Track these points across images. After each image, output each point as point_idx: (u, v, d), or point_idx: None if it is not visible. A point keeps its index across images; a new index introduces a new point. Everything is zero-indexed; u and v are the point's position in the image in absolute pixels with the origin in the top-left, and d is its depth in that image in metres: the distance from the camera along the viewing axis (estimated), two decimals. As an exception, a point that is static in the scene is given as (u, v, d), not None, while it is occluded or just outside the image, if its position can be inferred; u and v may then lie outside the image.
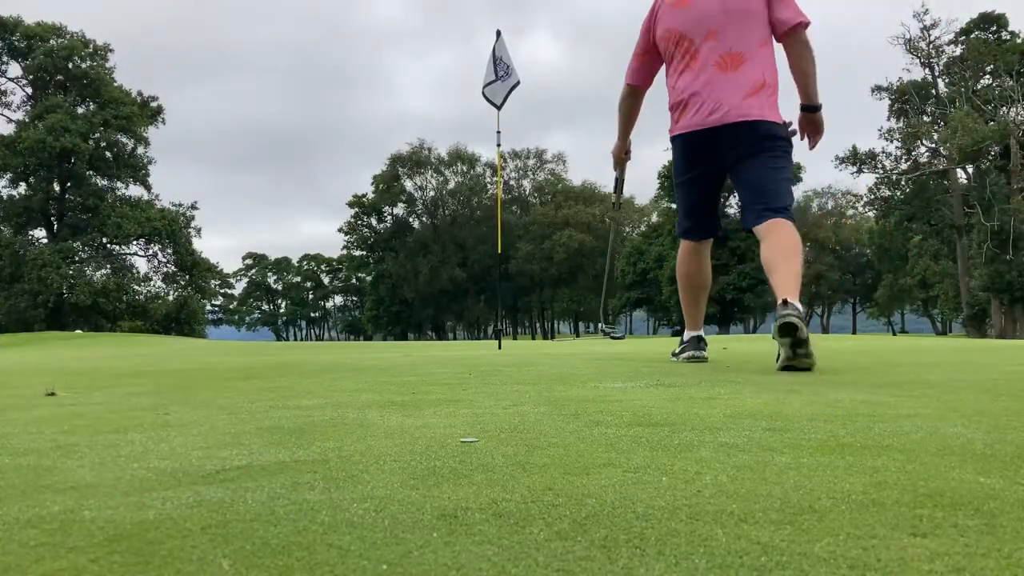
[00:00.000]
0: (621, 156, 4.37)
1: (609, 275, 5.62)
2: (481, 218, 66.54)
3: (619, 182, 4.55)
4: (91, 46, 42.03)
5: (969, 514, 0.87)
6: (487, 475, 1.15)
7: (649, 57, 3.95)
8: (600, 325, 4.64)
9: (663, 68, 3.93)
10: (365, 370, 4.64)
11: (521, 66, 9.05)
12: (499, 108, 8.67)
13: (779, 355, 3.23)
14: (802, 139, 3.86)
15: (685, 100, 3.69)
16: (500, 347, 8.19)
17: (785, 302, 3.07)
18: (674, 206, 55.92)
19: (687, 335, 4.20)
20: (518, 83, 8.68)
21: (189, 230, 43.73)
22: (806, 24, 3.62)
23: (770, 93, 3.64)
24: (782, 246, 3.40)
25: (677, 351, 4.22)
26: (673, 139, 3.82)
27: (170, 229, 41.63)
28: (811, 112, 3.75)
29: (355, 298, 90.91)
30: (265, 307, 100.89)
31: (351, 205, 71.61)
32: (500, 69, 8.64)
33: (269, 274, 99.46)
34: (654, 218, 67.82)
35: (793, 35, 3.60)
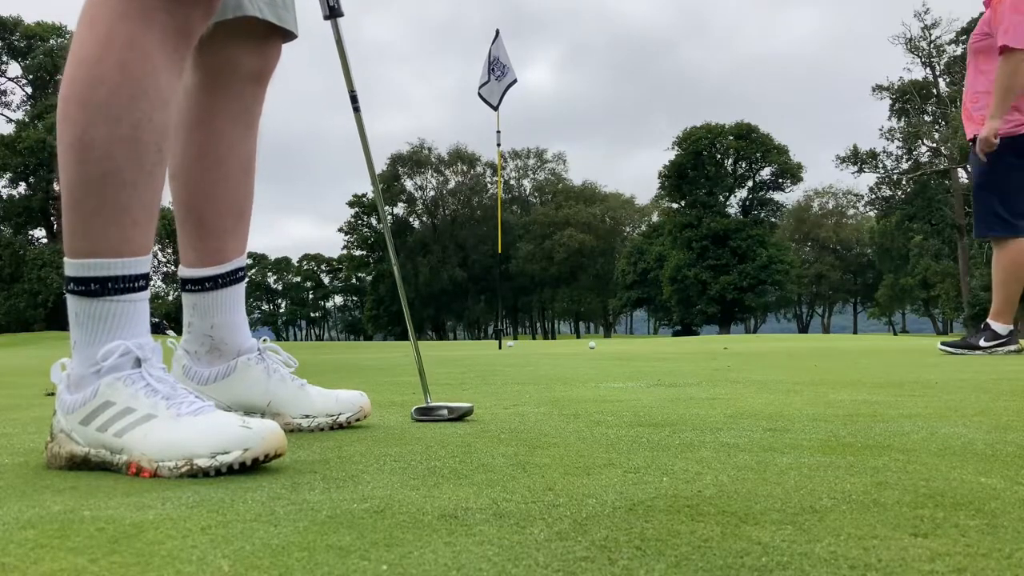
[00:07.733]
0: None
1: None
2: (481, 218, 66.53)
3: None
4: (91, 46, 41.97)
5: (970, 514, 0.87)
6: (487, 475, 1.15)
7: None
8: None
9: None
10: (365, 370, 4.64)
11: (521, 70, 9.09)
12: (495, 108, 8.68)
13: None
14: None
15: None
16: (500, 347, 8.20)
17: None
18: (675, 206, 55.89)
19: (1004, 328, 4.48)
20: (515, 81, 8.69)
21: (189, 230, 43.66)
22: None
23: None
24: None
25: (986, 344, 4.47)
26: None
27: (170, 229, 41.47)
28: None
29: (355, 298, 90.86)
30: (265, 307, 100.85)
31: (351, 205, 71.63)
32: (496, 69, 8.66)
33: (269, 274, 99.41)
34: (654, 218, 67.81)
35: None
